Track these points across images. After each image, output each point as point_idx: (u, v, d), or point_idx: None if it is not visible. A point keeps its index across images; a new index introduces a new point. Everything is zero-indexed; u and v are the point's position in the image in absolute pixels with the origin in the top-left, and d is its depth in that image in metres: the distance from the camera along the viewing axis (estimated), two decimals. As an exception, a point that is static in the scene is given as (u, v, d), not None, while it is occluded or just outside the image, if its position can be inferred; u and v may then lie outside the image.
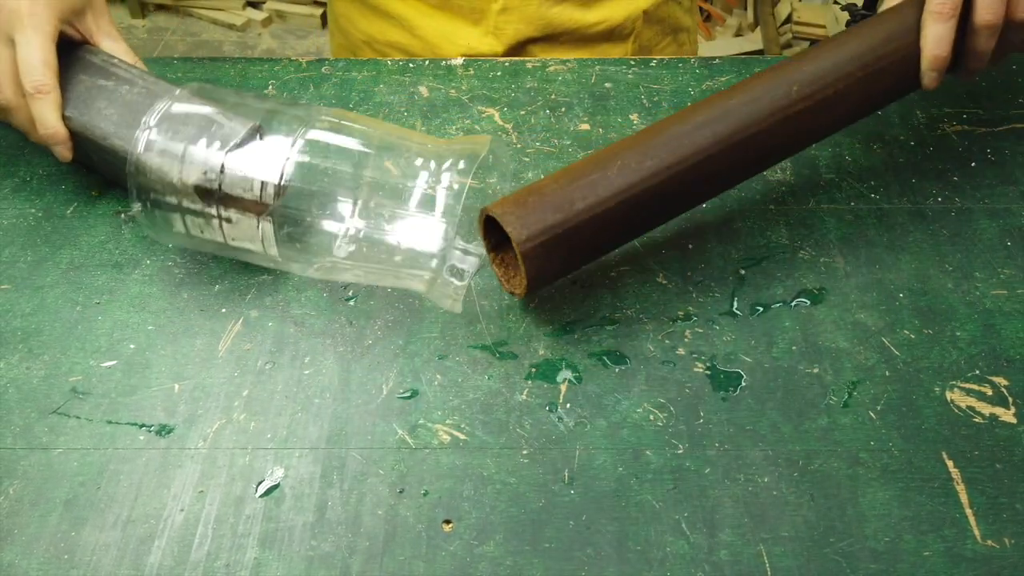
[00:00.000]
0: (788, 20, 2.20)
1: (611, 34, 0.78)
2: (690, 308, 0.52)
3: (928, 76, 0.52)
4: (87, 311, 0.52)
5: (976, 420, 0.46)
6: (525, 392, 0.48)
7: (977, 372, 0.48)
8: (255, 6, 2.63)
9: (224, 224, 0.49)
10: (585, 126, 0.65)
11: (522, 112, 0.66)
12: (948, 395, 0.47)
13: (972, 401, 0.47)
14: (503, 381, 0.48)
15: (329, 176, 0.49)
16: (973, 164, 0.61)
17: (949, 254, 0.55)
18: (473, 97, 0.67)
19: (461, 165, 0.48)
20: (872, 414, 0.47)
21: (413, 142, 0.50)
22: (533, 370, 0.49)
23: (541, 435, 0.46)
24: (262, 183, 0.48)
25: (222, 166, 0.48)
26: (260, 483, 0.44)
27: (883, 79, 0.52)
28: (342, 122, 0.51)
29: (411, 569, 0.41)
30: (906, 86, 0.54)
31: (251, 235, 0.49)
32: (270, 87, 0.69)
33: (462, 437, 0.46)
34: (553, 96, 0.67)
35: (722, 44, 2.34)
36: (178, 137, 0.49)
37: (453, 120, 0.65)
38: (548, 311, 0.52)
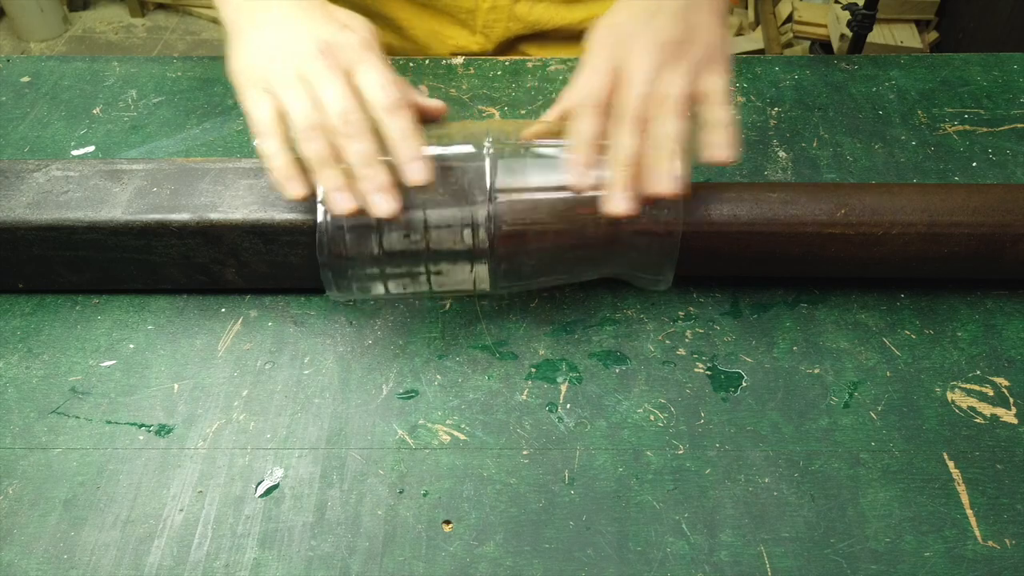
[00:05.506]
0: (789, 19, 2.20)
1: None
2: (690, 308, 0.52)
3: None
4: (86, 311, 0.52)
5: (977, 421, 0.46)
6: (525, 392, 0.48)
7: (978, 372, 0.48)
8: (255, 5, 2.63)
9: (433, 277, 0.46)
10: (585, 126, 0.64)
11: (522, 112, 0.66)
12: (949, 396, 0.47)
13: (973, 402, 0.47)
14: (503, 381, 0.48)
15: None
16: (974, 164, 0.61)
17: (950, 254, 0.55)
18: (474, 96, 0.67)
19: None
20: (873, 415, 0.46)
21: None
22: (533, 370, 0.49)
23: (541, 435, 0.46)
24: (473, 230, 0.44)
25: (424, 223, 0.44)
26: (259, 483, 0.44)
27: (947, 244, 0.48)
28: (517, 143, 0.46)
29: (411, 569, 0.41)
30: (977, 266, 0.49)
31: (463, 279, 0.46)
32: (270, 86, 0.68)
33: (462, 437, 0.46)
34: (553, 95, 0.67)
35: (722, 43, 2.33)
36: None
37: (453, 119, 0.65)
38: (548, 311, 0.52)
